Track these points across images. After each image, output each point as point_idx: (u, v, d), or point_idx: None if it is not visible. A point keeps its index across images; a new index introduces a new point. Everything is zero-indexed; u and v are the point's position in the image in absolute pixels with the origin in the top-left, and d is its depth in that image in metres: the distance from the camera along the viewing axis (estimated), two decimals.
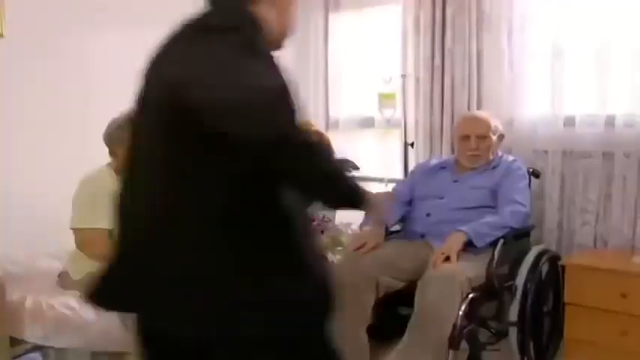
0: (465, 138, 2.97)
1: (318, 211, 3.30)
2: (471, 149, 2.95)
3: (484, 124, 3.00)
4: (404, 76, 3.73)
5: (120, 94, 3.37)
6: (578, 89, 3.23)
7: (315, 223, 3.08)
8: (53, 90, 3.32)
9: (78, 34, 3.43)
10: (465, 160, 2.98)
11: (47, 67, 3.27)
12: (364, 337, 2.54)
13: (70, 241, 2.74)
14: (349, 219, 3.39)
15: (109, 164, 2.81)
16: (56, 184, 2.85)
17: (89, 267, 2.68)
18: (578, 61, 3.21)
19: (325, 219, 3.15)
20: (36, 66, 3.22)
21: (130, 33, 3.54)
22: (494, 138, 2.98)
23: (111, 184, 2.69)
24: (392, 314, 2.82)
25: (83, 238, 2.67)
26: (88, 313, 2.49)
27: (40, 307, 2.45)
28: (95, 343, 2.50)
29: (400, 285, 2.67)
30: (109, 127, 2.76)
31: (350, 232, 3.24)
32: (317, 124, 4.32)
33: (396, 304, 2.82)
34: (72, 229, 2.69)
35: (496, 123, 3.04)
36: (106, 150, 2.79)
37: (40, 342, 2.41)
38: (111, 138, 2.75)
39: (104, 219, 2.63)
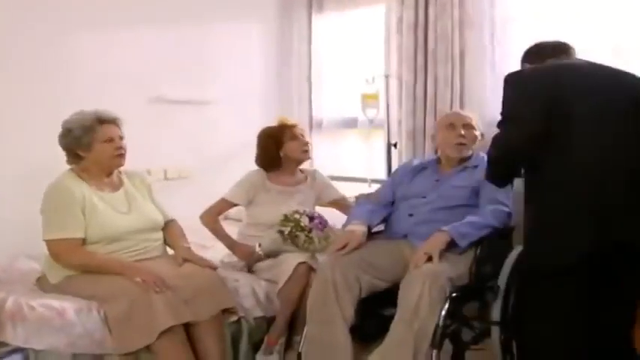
0: (451, 127, 2.97)
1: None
2: (458, 136, 2.94)
3: (470, 115, 3.04)
4: (387, 77, 3.74)
5: (92, 93, 3.41)
6: None
7: (316, 221, 3.07)
8: (25, 90, 3.32)
9: (49, 35, 3.42)
10: (451, 150, 2.96)
11: (19, 67, 3.26)
12: (347, 337, 2.53)
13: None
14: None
15: (71, 169, 2.79)
16: (32, 185, 2.81)
17: (65, 270, 2.68)
18: None
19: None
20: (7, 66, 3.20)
21: (105, 33, 3.55)
22: (477, 133, 2.99)
23: (77, 190, 2.68)
24: (375, 315, 2.81)
25: (55, 249, 2.64)
26: (69, 314, 2.48)
27: (21, 309, 2.42)
28: (76, 345, 2.47)
29: (383, 285, 2.66)
30: (70, 132, 2.73)
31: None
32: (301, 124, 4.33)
33: (379, 305, 2.81)
34: (44, 240, 2.66)
35: (478, 122, 3.05)
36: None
37: (20, 344, 2.38)
38: (77, 142, 2.72)
39: (75, 226, 2.63)
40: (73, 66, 3.53)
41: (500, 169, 2.46)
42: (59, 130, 2.77)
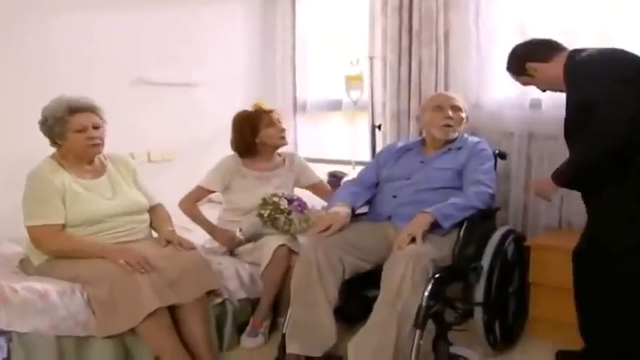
0: (439, 108, 2.96)
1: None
2: (446, 117, 2.93)
3: (457, 97, 3.04)
4: (371, 59, 3.72)
5: (76, 77, 3.38)
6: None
7: (295, 203, 3.07)
8: (7, 75, 3.29)
9: (36, 17, 3.37)
10: (437, 131, 2.95)
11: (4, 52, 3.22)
12: (331, 318, 2.54)
13: None
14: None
15: (52, 155, 2.76)
16: (15, 170, 2.79)
17: None
18: None
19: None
20: None
21: (88, 15, 3.51)
22: (463, 115, 2.99)
23: (57, 179, 2.66)
24: (359, 296, 2.82)
25: (36, 235, 2.63)
26: (52, 296, 2.47)
27: (3, 292, 2.40)
28: (60, 327, 2.46)
29: (367, 267, 2.67)
30: (45, 120, 2.70)
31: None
32: (284, 107, 4.32)
33: (363, 287, 2.82)
34: (25, 227, 2.65)
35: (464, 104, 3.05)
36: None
37: (3, 327, 2.37)
38: (51, 131, 2.69)
39: (55, 214, 2.62)
40: (55, 49, 3.49)
41: (601, 166, 2.34)
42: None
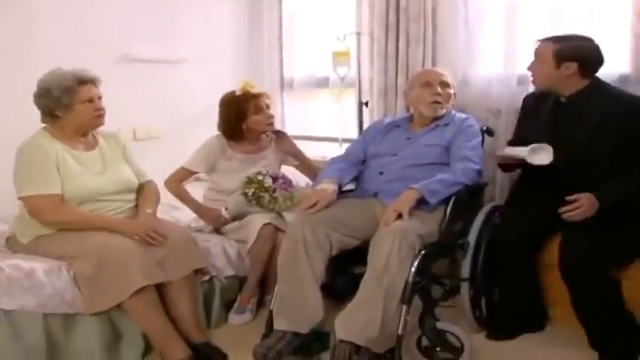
0: (428, 84, 2.94)
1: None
2: (434, 94, 2.91)
3: (445, 73, 3.02)
4: (358, 34, 3.70)
5: (59, 53, 3.34)
6: (532, 49, 3.23)
7: (280, 181, 3.05)
8: None
9: None
10: (426, 108, 2.93)
11: None
12: (318, 295, 2.54)
13: (15, 205, 2.68)
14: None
15: (45, 128, 2.73)
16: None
17: (36, 230, 2.66)
18: (532, 21, 3.22)
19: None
20: None
21: None
22: (452, 91, 2.98)
23: (51, 148, 2.63)
24: (346, 273, 2.83)
25: (36, 205, 2.60)
26: (39, 274, 2.47)
27: None
28: (47, 305, 2.46)
29: (354, 243, 2.66)
30: (48, 92, 2.65)
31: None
32: (271, 85, 4.30)
33: (350, 263, 2.83)
34: (21, 197, 2.62)
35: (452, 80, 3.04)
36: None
37: None
38: (56, 102, 2.65)
39: (53, 184, 2.59)
40: (39, 26, 3.45)
41: None
42: (25, 91, 2.69)
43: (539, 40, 2.75)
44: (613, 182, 2.55)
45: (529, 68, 2.81)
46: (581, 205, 2.49)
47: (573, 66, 2.63)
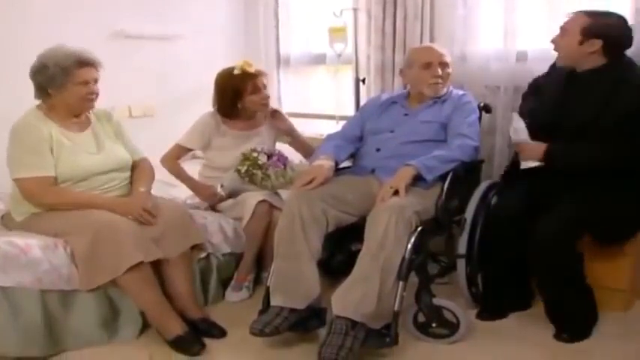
0: (428, 65, 2.90)
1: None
2: (435, 75, 2.88)
3: (445, 52, 2.97)
4: (355, 10, 3.66)
5: (51, 29, 3.30)
6: (531, 25, 3.22)
7: (274, 158, 3.04)
8: None
9: None
10: (427, 89, 2.91)
11: None
12: (315, 271, 2.54)
13: (10, 183, 2.66)
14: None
15: (38, 106, 2.70)
16: None
17: (30, 208, 2.65)
18: None
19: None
20: None
21: None
22: (450, 70, 2.95)
23: (44, 128, 2.61)
24: (342, 249, 2.83)
25: (27, 187, 2.59)
26: (35, 251, 2.46)
27: None
28: (43, 281, 2.46)
29: (351, 220, 2.66)
30: (45, 68, 2.61)
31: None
32: (267, 62, 4.26)
33: (346, 240, 2.83)
34: (14, 179, 2.60)
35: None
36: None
37: None
38: (50, 80, 2.61)
39: (46, 166, 2.58)
40: (31, 1, 3.41)
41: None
42: (16, 70, 2.67)
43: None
44: (576, 145, 2.56)
45: (553, 41, 2.73)
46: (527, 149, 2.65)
47: (598, 43, 2.57)
